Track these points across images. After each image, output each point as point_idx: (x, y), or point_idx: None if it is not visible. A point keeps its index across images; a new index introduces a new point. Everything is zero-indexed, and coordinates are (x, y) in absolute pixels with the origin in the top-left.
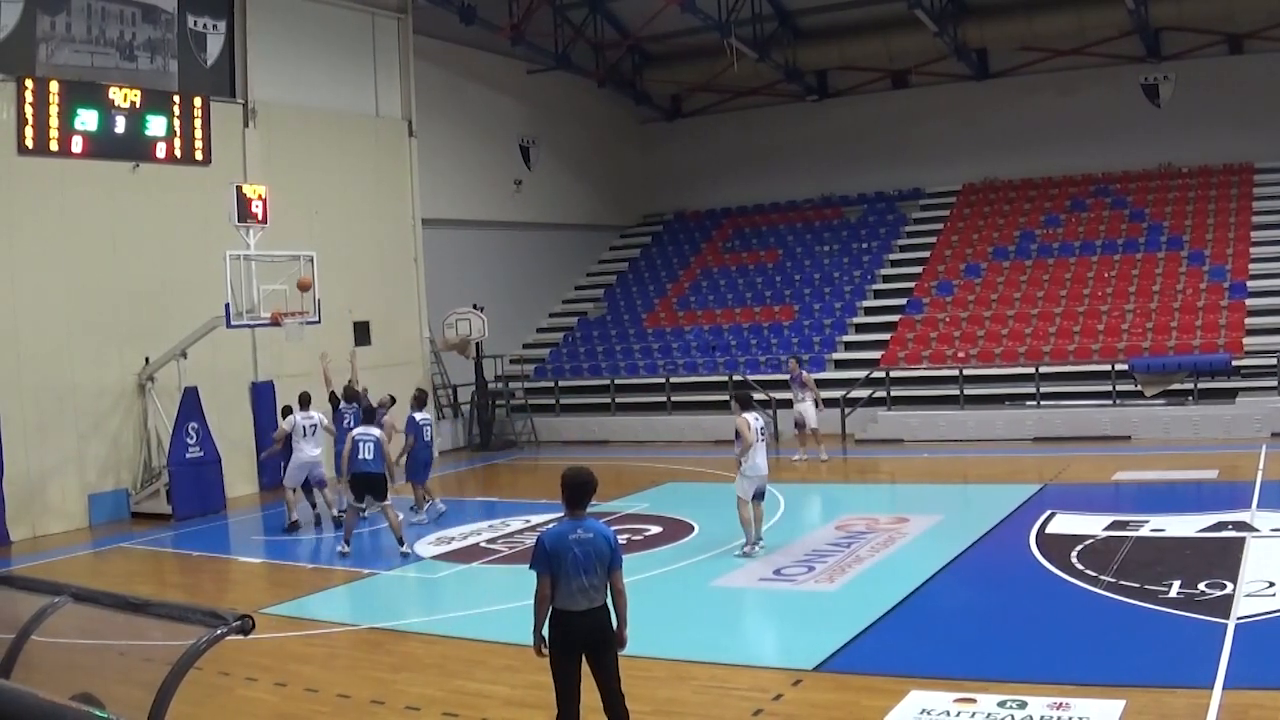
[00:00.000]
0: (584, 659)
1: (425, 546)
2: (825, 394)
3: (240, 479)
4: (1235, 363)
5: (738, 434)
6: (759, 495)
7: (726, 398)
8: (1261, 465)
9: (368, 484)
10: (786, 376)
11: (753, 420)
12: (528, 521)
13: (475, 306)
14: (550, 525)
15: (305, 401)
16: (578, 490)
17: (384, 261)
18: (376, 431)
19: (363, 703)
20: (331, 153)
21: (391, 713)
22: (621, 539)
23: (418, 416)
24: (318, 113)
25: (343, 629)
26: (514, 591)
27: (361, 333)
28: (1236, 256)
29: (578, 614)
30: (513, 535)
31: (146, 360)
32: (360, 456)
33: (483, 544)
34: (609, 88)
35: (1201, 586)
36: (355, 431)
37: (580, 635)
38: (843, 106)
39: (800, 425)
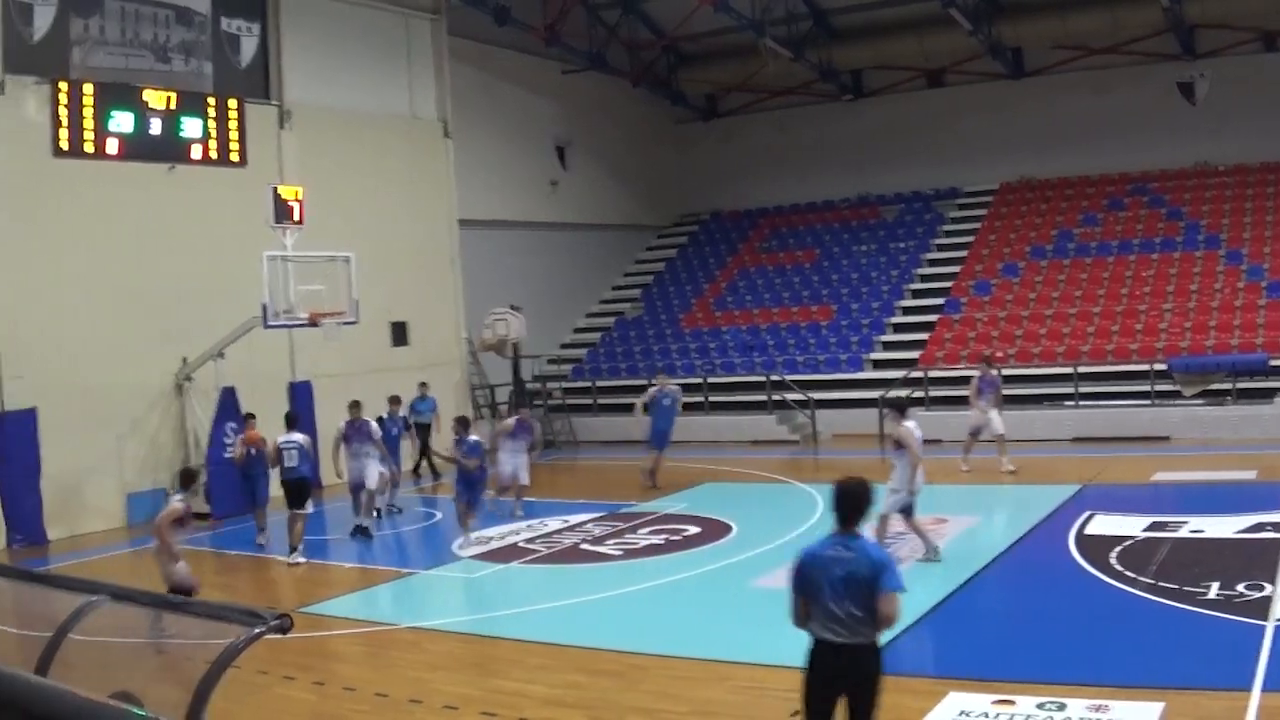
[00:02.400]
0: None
1: (464, 546)
2: (862, 394)
3: (278, 478)
4: (1273, 362)
5: (899, 444)
6: (908, 510)
7: (764, 398)
8: None
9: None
10: (977, 376)
11: (916, 430)
12: (565, 521)
13: (512, 307)
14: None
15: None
16: (848, 502)
17: (421, 262)
18: (299, 437)
19: (400, 702)
20: (367, 154)
21: (429, 712)
22: (659, 539)
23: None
24: (353, 114)
25: (381, 628)
26: (551, 591)
27: (399, 333)
28: (1274, 255)
29: (833, 645)
30: (550, 535)
31: (184, 360)
32: (285, 464)
33: (521, 544)
34: (644, 88)
35: (1240, 588)
36: (280, 438)
37: (835, 671)
38: (878, 106)
39: (977, 433)
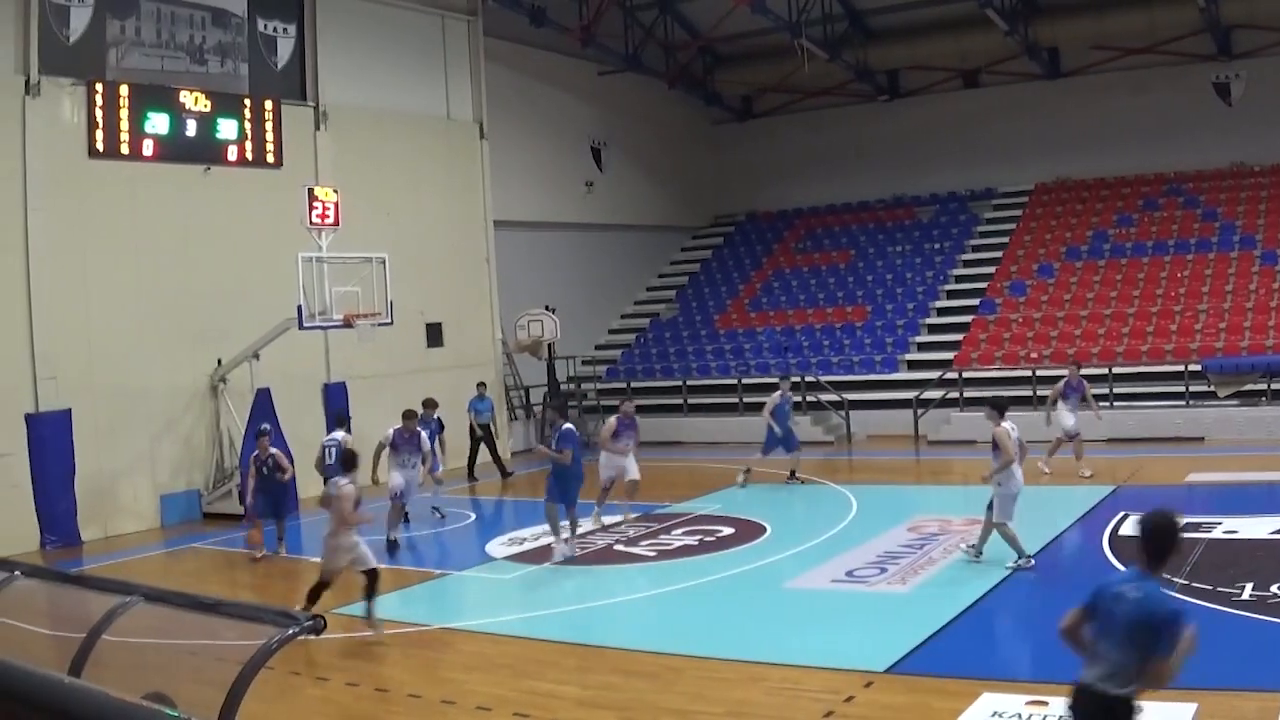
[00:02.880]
0: None
1: (498, 547)
2: (896, 395)
3: (313, 480)
4: None
5: (996, 446)
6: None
7: (799, 399)
8: None
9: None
10: (1065, 377)
11: (1013, 431)
12: (600, 522)
13: (547, 308)
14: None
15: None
16: (1160, 538)
17: (456, 263)
18: (340, 435)
19: (433, 702)
20: (403, 155)
21: (462, 712)
22: (693, 540)
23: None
24: (389, 115)
25: (414, 629)
26: (586, 592)
27: (434, 334)
28: None
29: (1085, 687)
30: (584, 537)
31: (219, 362)
32: (326, 462)
33: (555, 545)
34: (680, 89)
35: (1274, 589)
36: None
37: (1080, 714)
38: (914, 106)
39: (1070, 436)
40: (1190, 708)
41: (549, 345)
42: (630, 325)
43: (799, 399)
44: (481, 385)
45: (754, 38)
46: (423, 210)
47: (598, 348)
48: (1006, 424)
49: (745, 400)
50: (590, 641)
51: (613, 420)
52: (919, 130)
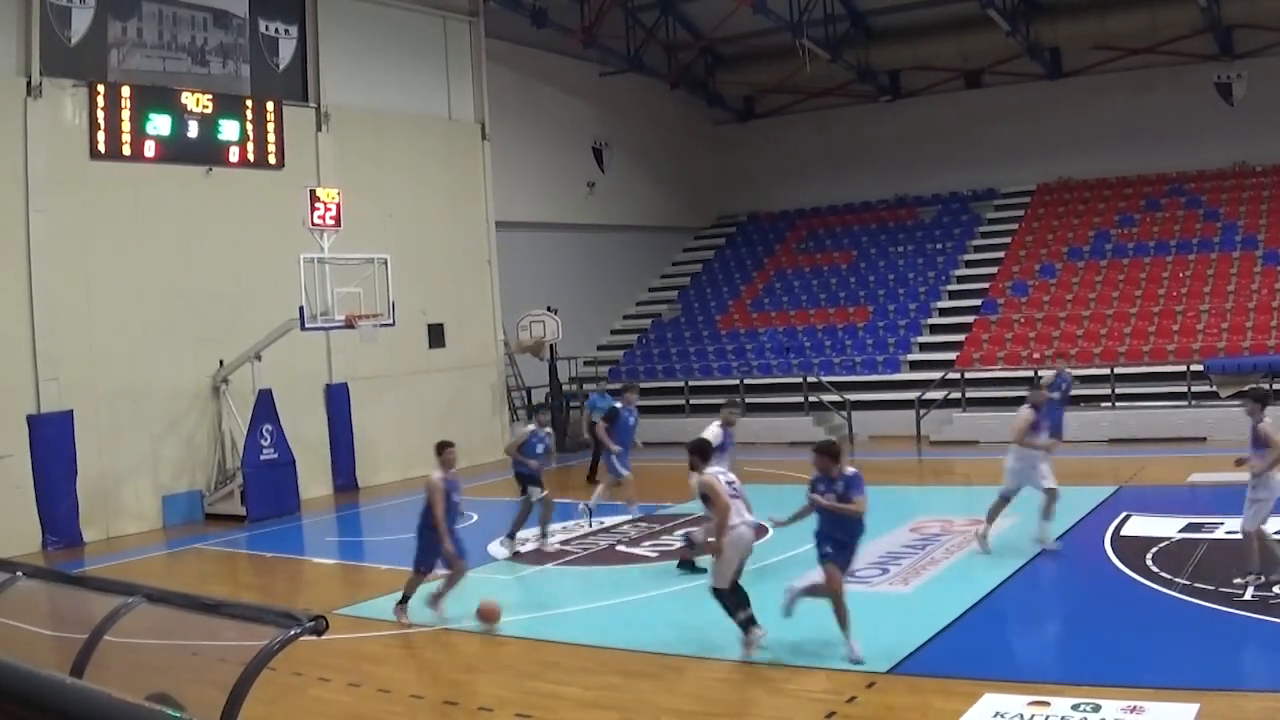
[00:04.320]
0: None
1: (499, 547)
2: (898, 396)
3: (314, 481)
4: None
5: (1269, 443)
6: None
7: (800, 399)
8: None
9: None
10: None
11: None
12: (601, 523)
13: (549, 309)
14: None
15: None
16: None
17: (458, 264)
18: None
19: (436, 703)
20: (404, 156)
21: (464, 713)
22: None
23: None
24: (390, 116)
25: (416, 630)
26: (588, 593)
27: (436, 335)
28: None
29: None
30: (586, 538)
31: (221, 363)
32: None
33: (557, 545)
34: (681, 89)
35: (1277, 589)
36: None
37: None
38: (916, 106)
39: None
40: (1193, 708)
41: (551, 346)
42: (632, 326)
43: (801, 400)
44: (601, 380)
45: (756, 38)
46: (424, 211)
47: (600, 348)
48: (1269, 418)
49: (747, 401)
50: (592, 642)
51: (715, 429)
52: (921, 130)
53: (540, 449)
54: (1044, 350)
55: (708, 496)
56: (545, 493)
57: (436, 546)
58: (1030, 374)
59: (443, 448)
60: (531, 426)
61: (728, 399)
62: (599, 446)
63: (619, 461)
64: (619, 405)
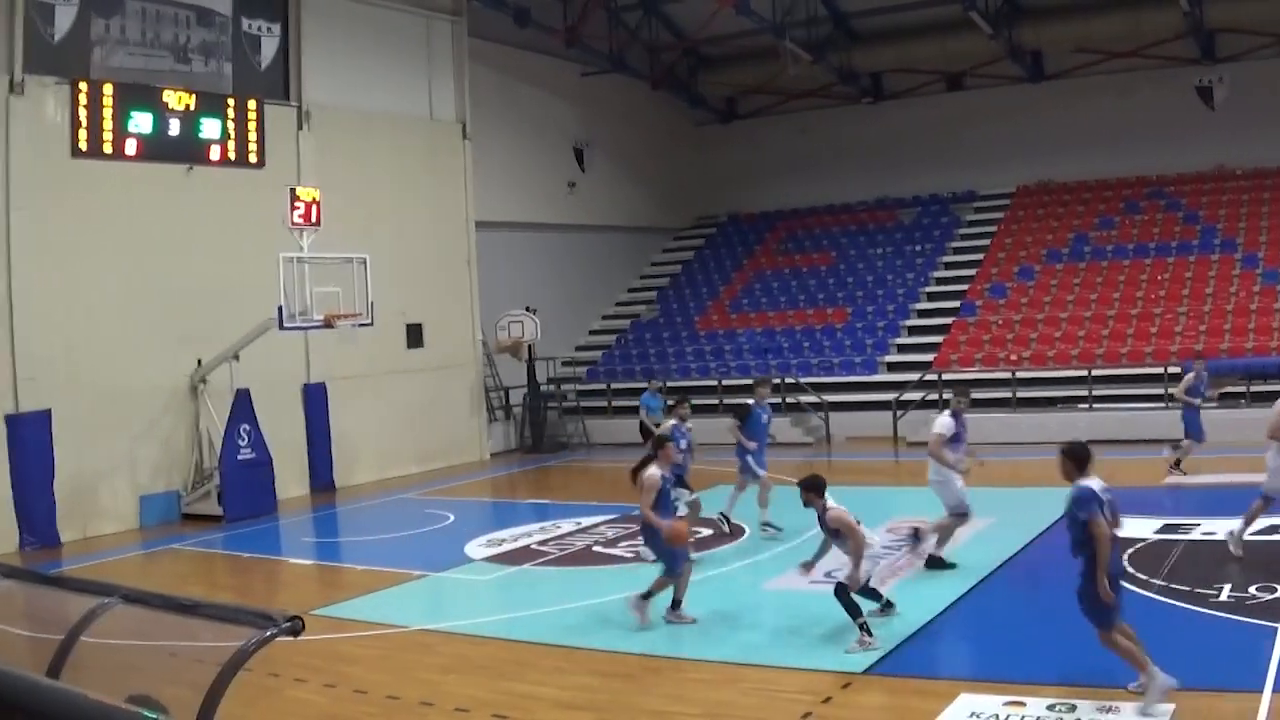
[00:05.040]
0: None
1: (476, 548)
2: (876, 397)
3: (292, 481)
4: None
5: None
6: None
7: (778, 400)
8: None
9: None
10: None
11: None
12: (579, 524)
13: (528, 309)
14: None
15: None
16: None
17: (437, 264)
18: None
19: (412, 704)
20: (385, 155)
21: (440, 714)
22: None
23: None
24: (372, 115)
25: (392, 630)
26: (564, 594)
27: (414, 335)
28: None
29: None
30: (563, 538)
31: (199, 362)
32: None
33: (533, 546)
34: (663, 90)
35: (1252, 590)
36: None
37: None
38: (897, 109)
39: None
40: (1168, 709)
41: (529, 346)
42: (611, 326)
43: (779, 400)
44: (652, 379)
45: (738, 39)
46: (404, 211)
47: (578, 349)
48: None
49: (726, 402)
50: (568, 643)
51: (947, 420)
52: (902, 132)
53: (684, 444)
54: (1021, 352)
55: (839, 531)
56: (695, 495)
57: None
58: (1008, 375)
59: (661, 442)
60: (673, 421)
61: (957, 388)
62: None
63: (755, 461)
64: (751, 402)
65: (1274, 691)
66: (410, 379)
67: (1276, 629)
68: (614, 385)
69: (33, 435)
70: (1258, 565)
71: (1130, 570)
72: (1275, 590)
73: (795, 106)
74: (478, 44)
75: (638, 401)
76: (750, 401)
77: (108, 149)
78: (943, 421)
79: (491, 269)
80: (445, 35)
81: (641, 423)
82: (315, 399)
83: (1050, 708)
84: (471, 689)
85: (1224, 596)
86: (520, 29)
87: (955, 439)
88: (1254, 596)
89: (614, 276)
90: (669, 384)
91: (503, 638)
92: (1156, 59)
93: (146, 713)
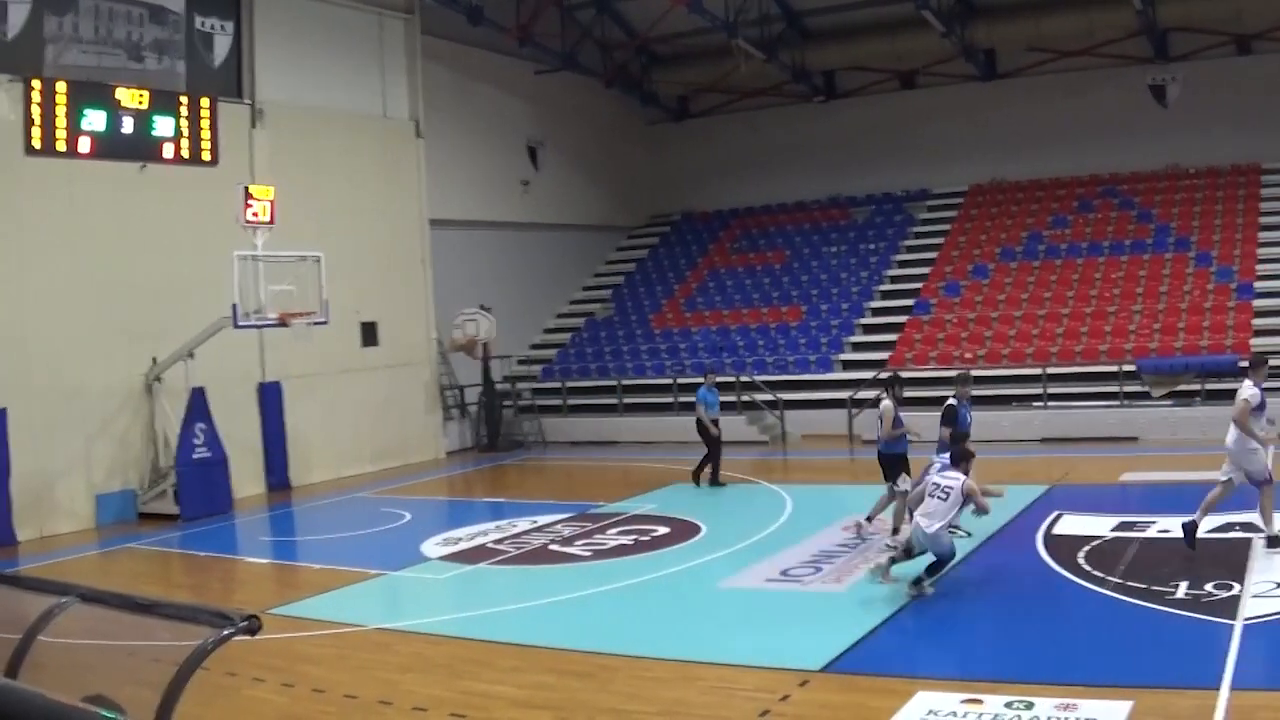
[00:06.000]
0: None
1: (432, 547)
2: (831, 395)
3: (248, 479)
4: (1241, 363)
5: None
6: None
7: (733, 398)
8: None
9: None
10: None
11: None
12: (534, 522)
13: (482, 307)
14: None
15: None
16: None
17: (391, 262)
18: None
19: (370, 703)
20: (339, 153)
21: (399, 713)
22: (628, 540)
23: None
24: (325, 113)
25: (350, 629)
26: (521, 592)
27: (369, 334)
28: (1243, 257)
29: None
30: (520, 536)
31: (154, 360)
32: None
33: (490, 545)
34: (616, 89)
35: (1209, 587)
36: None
37: None
38: (850, 107)
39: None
40: (1126, 705)
41: (485, 344)
42: (566, 325)
43: (733, 399)
44: (710, 373)
45: (691, 38)
46: (358, 209)
47: (533, 347)
48: None
49: (681, 400)
50: (526, 641)
51: (1253, 387)
52: (855, 131)
53: (970, 420)
54: (976, 350)
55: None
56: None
57: None
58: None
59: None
60: (952, 399)
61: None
62: (712, 445)
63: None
64: (954, 401)
65: (1231, 689)
66: (365, 377)
67: (1233, 626)
68: (569, 384)
69: None
70: (1214, 562)
71: (1086, 568)
72: (1232, 587)
73: (748, 105)
74: (431, 42)
75: (591, 401)
76: (954, 400)
77: (61, 147)
78: (1249, 390)
79: (447, 267)
80: (398, 33)
81: (699, 420)
82: (270, 398)
83: (1008, 705)
84: (429, 688)
85: (1181, 594)
86: (473, 27)
87: (1259, 407)
88: (1210, 594)
89: (568, 275)
90: (624, 382)
91: (460, 636)
92: (1110, 58)
93: (104, 712)
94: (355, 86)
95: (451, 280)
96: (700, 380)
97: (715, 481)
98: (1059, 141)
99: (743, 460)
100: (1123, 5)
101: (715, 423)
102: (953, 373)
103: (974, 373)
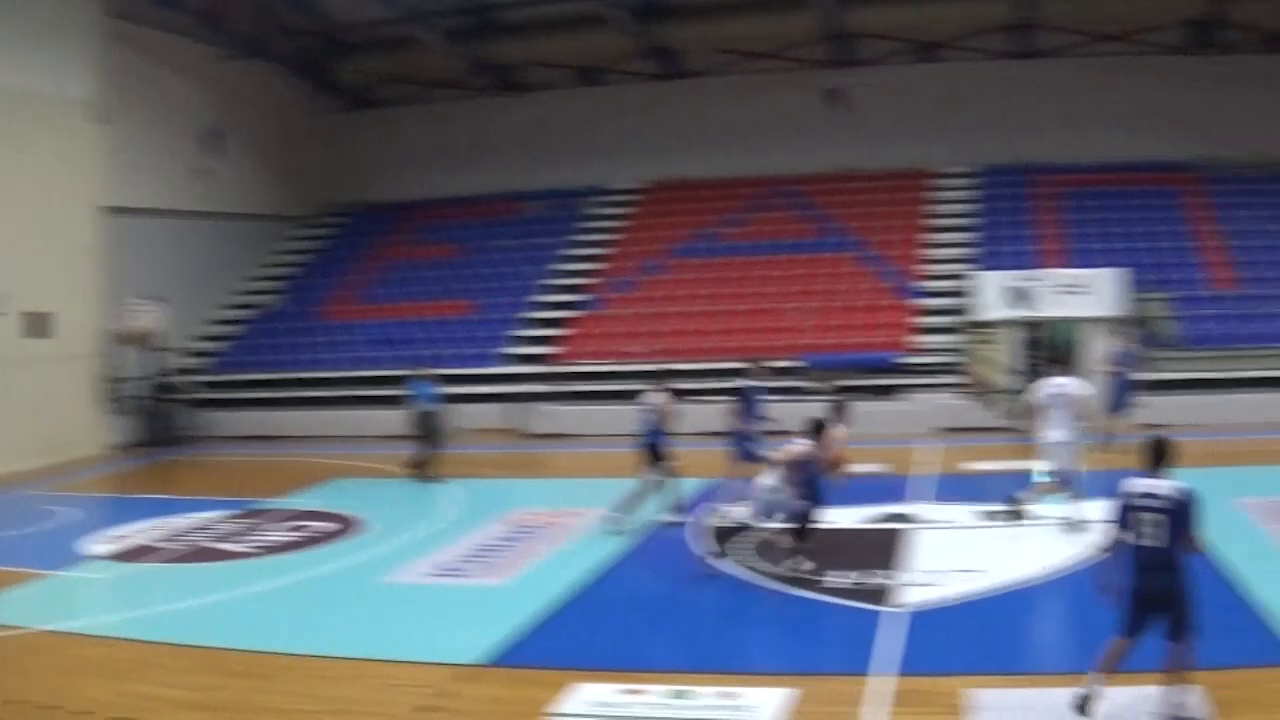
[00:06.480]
0: None
1: (95, 545)
2: (499, 389)
3: None
4: (905, 361)
5: None
6: None
7: (404, 392)
8: (927, 459)
9: None
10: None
11: None
12: (199, 519)
13: (152, 297)
14: None
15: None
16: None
17: (59, 250)
18: None
19: (33, 708)
20: (4, 135)
21: (66, 716)
22: (290, 536)
23: None
24: None
25: (10, 632)
26: (186, 591)
27: (36, 325)
28: (910, 259)
29: None
30: (184, 534)
31: None
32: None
33: (153, 543)
34: (301, 76)
35: (864, 576)
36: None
37: None
38: (535, 102)
39: None
40: (784, 692)
41: (153, 336)
42: (239, 315)
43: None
44: (423, 367)
45: (377, 27)
46: (25, 193)
47: (204, 339)
48: None
49: (352, 394)
50: (191, 642)
51: None
52: (538, 126)
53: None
54: (650, 345)
55: None
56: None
57: None
58: (631, 369)
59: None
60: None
61: None
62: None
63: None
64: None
65: (889, 673)
66: (26, 370)
67: (886, 613)
68: (238, 377)
69: None
70: (867, 551)
71: (747, 558)
72: (887, 576)
73: (433, 96)
74: (114, 23)
75: (257, 395)
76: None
77: None
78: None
79: (122, 256)
80: (78, 11)
81: (421, 414)
82: None
83: (671, 695)
84: (95, 691)
85: (838, 582)
86: (159, 9)
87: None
88: (863, 584)
89: (245, 264)
90: (294, 375)
91: (125, 637)
92: (795, 61)
93: None
94: (27, 65)
95: (127, 269)
96: (412, 373)
97: (426, 474)
98: (738, 141)
99: (407, 454)
100: (808, 11)
101: (432, 416)
102: (624, 368)
103: (644, 368)
